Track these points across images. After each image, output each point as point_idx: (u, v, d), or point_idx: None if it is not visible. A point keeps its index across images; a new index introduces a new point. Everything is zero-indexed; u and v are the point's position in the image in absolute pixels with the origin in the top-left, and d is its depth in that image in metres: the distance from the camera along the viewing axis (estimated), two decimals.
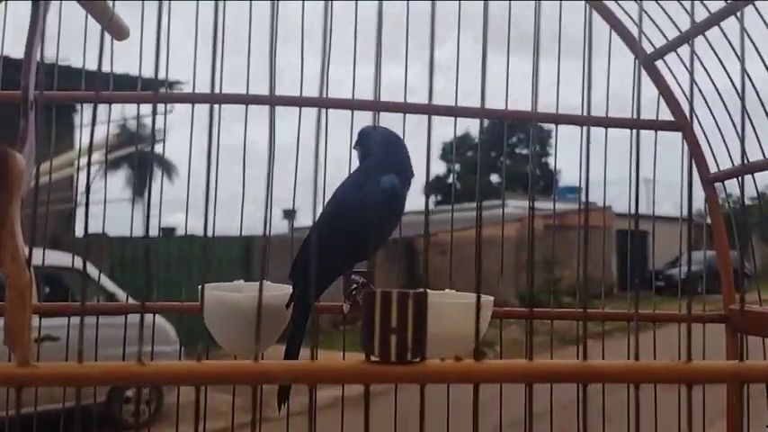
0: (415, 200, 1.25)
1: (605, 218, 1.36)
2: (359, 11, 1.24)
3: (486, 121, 1.52)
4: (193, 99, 1.24)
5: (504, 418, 1.31)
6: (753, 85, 1.07)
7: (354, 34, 1.25)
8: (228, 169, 1.26)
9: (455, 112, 1.24)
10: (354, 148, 1.19)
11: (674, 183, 1.25)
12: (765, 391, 0.97)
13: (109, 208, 1.55)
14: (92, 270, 4.98)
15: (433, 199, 25.37)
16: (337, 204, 1.12)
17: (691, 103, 1.08)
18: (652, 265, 1.30)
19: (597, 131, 1.30)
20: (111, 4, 0.94)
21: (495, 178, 27.75)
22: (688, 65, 1.20)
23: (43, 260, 1.23)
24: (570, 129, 1.30)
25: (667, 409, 1.14)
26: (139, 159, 1.81)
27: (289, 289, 1.13)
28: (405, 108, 1.24)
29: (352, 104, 1.22)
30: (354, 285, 1.15)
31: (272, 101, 1.17)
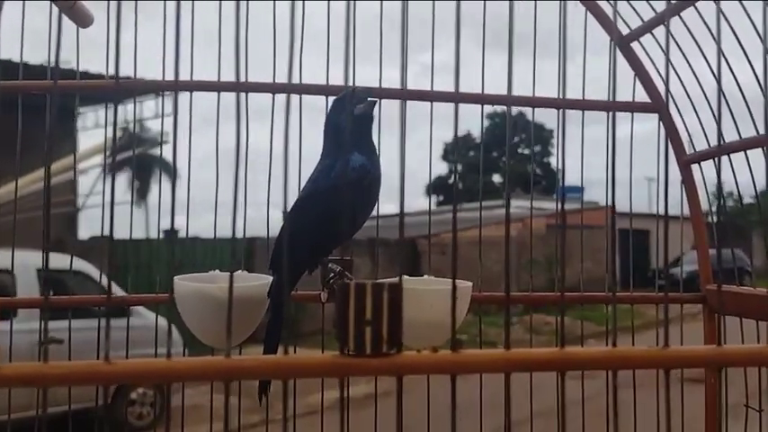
0: (416, 200, 1.25)
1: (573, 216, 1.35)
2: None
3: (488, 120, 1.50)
4: (162, 87, 1.22)
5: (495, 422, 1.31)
6: (729, 66, 1.07)
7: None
8: (228, 171, 1.24)
9: (430, 96, 1.23)
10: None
11: (672, 180, 1.26)
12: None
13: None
14: (94, 272, 4.93)
15: (435, 199, 25.45)
16: (310, 189, 1.10)
17: (666, 84, 1.07)
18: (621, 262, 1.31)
19: (596, 131, 1.30)
20: None
21: (496, 178, 27.79)
22: (664, 46, 1.19)
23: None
24: (570, 129, 1.31)
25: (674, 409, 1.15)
26: (141, 162, 1.79)
27: (266, 279, 1.11)
28: (379, 93, 1.22)
29: (326, 90, 1.20)
30: (332, 274, 1.13)
31: (242, 87, 1.15)
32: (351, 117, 1.06)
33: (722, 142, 1.12)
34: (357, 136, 1.09)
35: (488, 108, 1.34)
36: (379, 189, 1.11)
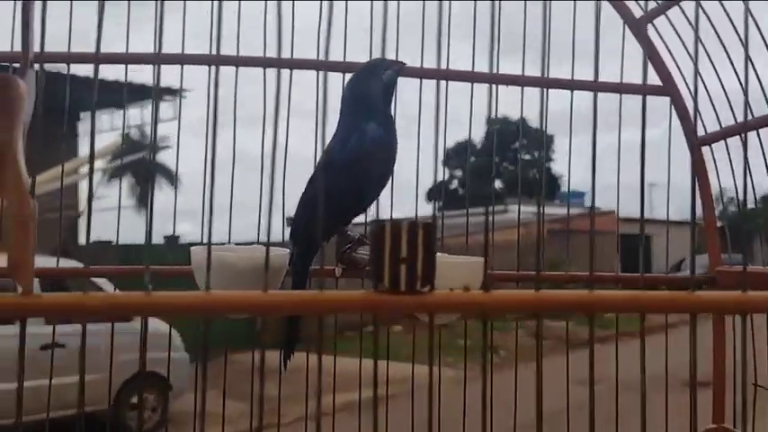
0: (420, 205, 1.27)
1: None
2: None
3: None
4: (159, 60, 1.23)
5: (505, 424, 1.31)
6: (748, 56, 1.08)
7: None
8: (229, 176, 1.26)
9: (446, 76, 1.24)
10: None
11: (678, 187, 1.27)
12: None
13: (113, 215, 1.54)
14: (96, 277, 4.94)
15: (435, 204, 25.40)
16: (326, 160, 1.11)
17: (695, 65, 1.08)
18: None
19: (603, 137, 1.31)
20: None
21: (498, 183, 27.65)
22: (678, 28, 1.21)
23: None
24: (575, 138, 1.34)
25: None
26: (143, 167, 1.80)
27: (280, 251, 1.12)
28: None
29: (318, 65, 1.20)
30: (348, 244, 1.14)
31: (237, 61, 1.18)
32: (380, 83, 1.08)
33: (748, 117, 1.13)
34: (376, 105, 1.10)
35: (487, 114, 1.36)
36: (395, 160, 1.12)
